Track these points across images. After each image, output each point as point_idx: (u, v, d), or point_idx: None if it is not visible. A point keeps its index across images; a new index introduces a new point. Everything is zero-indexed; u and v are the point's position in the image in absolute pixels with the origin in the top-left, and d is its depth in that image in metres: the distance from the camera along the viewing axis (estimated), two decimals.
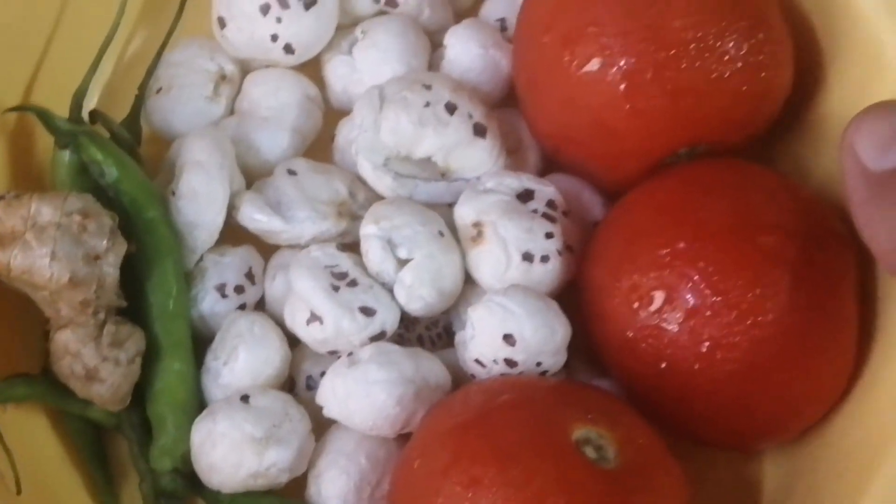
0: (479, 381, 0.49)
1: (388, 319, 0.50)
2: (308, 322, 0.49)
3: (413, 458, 0.46)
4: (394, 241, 0.50)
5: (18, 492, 0.47)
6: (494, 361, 0.48)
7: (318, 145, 0.56)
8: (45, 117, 0.51)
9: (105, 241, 0.49)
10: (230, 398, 0.49)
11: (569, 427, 0.45)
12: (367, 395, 0.48)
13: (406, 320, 0.51)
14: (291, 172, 0.53)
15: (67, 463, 0.51)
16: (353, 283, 0.50)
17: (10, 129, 0.53)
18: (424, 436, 0.47)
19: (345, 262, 0.50)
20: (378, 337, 0.49)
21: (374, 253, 0.50)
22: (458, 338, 0.50)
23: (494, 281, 0.50)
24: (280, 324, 0.51)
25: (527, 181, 0.51)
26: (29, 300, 0.50)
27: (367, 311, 0.49)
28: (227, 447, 0.48)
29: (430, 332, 0.52)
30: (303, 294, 0.49)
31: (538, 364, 0.48)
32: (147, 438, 0.51)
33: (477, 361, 0.49)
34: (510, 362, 0.48)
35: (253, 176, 0.53)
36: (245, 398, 0.49)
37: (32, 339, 0.52)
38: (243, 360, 0.50)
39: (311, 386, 0.51)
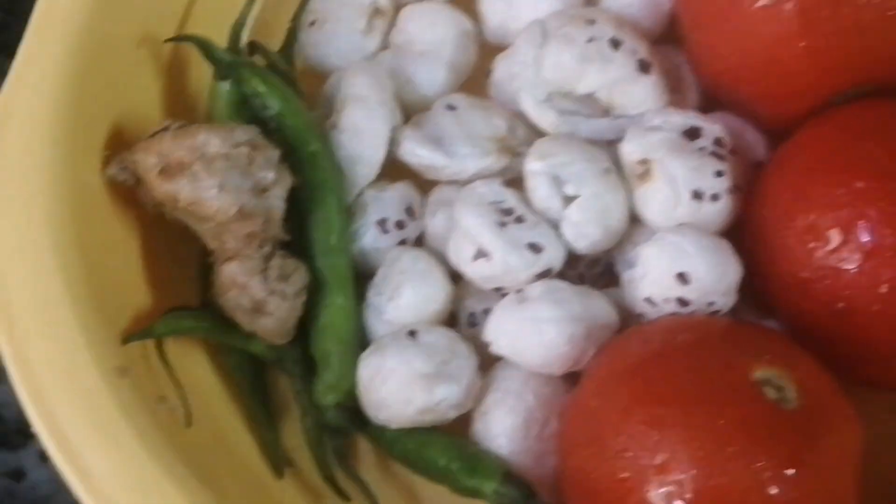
0: (653, 321, 0.48)
1: (554, 257, 0.49)
2: (474, 258, 0.49)
3: (589, 398, 0.46)
4: (560, 177, 0.49)
5: (189, 424, 0.47)
6: (666, 301, 0.48)
7: (471, 81, 0.55)
8: (207, 48, 0.51)
9: (272, 174, 0.48)
10: (397, 334, 0.49)
11: (748, 367, 0.44)
12: (537, 332, 0.47)
13: (567, 259, 0.50)
14: (451, 108, 0.52)
15: (226, 397, 0.51)
16: (519, 220, 0.49)
17: (164, 62, 0.53)
18: (601, 375, 0.46)
19: (510, 198, 0.50)
20: (544, 274, 0.49)
21: (540, 189, 0.49)
22: (625, 277, 0.50)
23: (662, 219, 0.49)
24: (440, 260, 0.51)
25: (693, 119, 0.50)
26: (185, 232, 0.49)
27: (535, 248, 0.48)
28: (396, 382, 0.47)
29: (591, 270, 0.51)
30: (470, 230, 0.49)
31: (710, 304, 0.48)
32: (308, 374, 0.50)
33: (647, 300, 0.48)
34: (682, 301, 0.47)
35: (409, 111, 0.53)
36: (412, 334, 0.48)
37: (189, 273, 0.52)
38: (408, 296, 0.49)
39: (474, 323, 0.51)
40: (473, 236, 0.49)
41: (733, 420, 0.43)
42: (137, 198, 0.49)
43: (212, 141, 0.48)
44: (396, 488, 0.51)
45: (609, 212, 0.49)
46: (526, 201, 0.50)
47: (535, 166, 0.49)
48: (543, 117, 0.51)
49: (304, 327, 0.50)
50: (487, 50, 0.55)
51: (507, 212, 0.49)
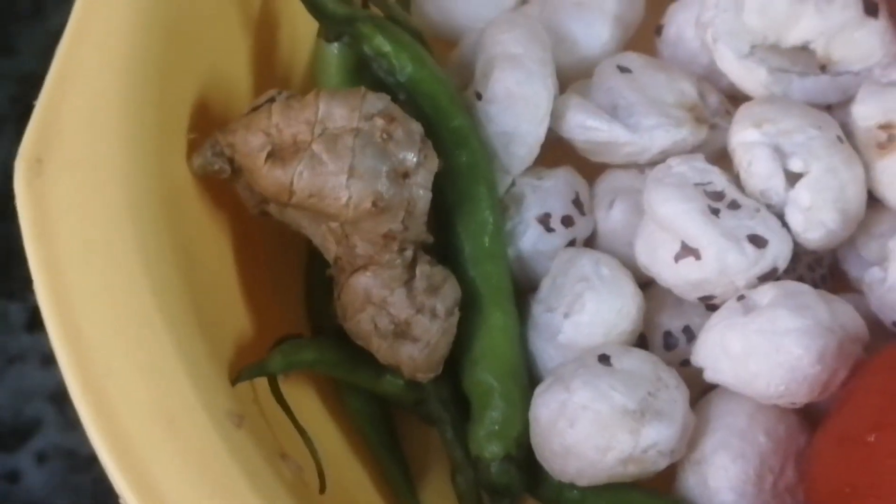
0: None
1: (781, 252, 0.38)
2: (677, 258, 0.37)
3: (865, 432, 0.34)
4: (783, 148, 0.38)
5: (323, 489, 0.35)
6: None
7: (634, 41, 0.44)
8: (314, 1, 0.39)
9: (414, 154, 0.36)
10: (584, 359, 0.37)
11: None
12: (776, 350, 0.36)
13: None
14: (624, 70, 0.41)
15: (351, 453, 0.39)
16: (734, 205, 0.38)
17: (253, 19, 0.41)
18: (876, 401, 0.34)
19: (718, 178, 0.38)
20: (768, 276, 0.38)
21: (760, 165, 0.38)
22: (869, 278, 0.38)
23: None
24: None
25: None
26: (291, 239, 0.38)
27: (758, 242, 0.37)
28: (590, 423, 0.36)
29: (812, 273, 0.40)
30: (671, 221, 0.37)
31: None
32: (460, 419, 0.38)
33: None
34: None
35: (564, 77, 0.41)
36: (605, 358, 0.37)
37: (295, 292, 0.40)
38: (592, 310, 0.38)
39: (671, 345, 0.39)
40: (677, 228, 0.37)
41: None
42: (234, 193, 0.37)
43: (335, 112, 0.36)
44: None
45: (846, 193, 0.38)
46: (735, 183, 0.38)
47: (749, 136, 0.38)
48: (749, 75, 0.40)
49: (451, 358, 0.38)
50: (649, 2, 0.44)
51: (717, 195, 0.38)
